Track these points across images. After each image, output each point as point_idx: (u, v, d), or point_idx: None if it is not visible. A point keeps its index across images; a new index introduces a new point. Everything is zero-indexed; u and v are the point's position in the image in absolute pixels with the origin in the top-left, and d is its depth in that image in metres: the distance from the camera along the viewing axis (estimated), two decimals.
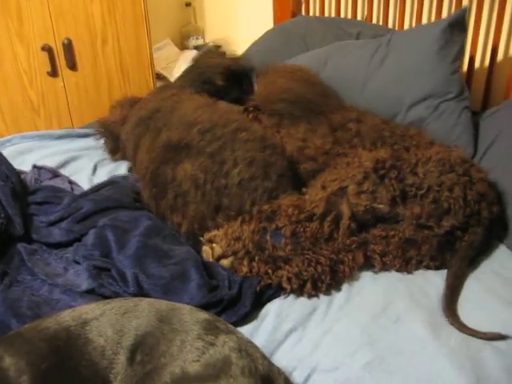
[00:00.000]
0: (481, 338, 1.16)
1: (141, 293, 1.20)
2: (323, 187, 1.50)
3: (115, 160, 1.95)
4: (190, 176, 1.47)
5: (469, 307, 1.25)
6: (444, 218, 1.39)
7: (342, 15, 2.50)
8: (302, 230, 1.41)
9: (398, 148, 1.60)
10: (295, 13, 2.66)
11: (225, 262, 1.33)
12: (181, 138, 1.53)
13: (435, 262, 1.39)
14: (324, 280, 1.29)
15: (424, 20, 2.21)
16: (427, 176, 1.43)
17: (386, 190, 1.42)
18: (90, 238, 1.35)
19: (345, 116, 1.80)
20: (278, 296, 1.29)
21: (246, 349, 0.98)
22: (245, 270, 1.30)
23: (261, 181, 1.49)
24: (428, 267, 1.39)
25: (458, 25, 1.81)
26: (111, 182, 1.64)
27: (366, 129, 1.71)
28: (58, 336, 0.95)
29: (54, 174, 1.73)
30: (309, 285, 1.28)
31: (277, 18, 2.72)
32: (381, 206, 1.41)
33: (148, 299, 1.08)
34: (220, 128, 1.55)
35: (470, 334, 1.17)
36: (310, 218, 1.43)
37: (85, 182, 1.77)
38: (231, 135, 1.54)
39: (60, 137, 2.06)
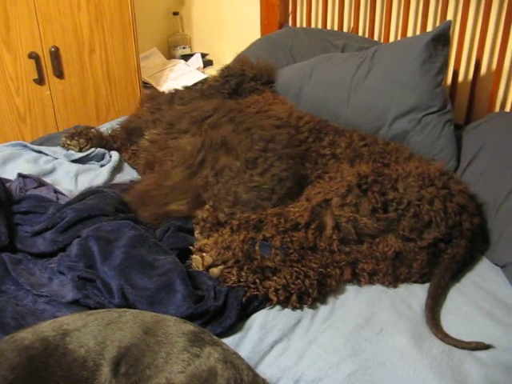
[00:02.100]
0: (463, 347, 1.18)
1: (126, 304, 1.20)
2: (307, 199, 1.53)
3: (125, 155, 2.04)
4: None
5: (451, 319, 1.27)
6: (426, 231, 1.41)
7: (329, 27, 2.53)
8: (289, 240, 1.42)
9: (377, 165, 1.62)
10: (282, 23, 2.69)
11: (214, 271, 1.34)
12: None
13: (423, 278, 1.41)
14: (311, 294, 1.31)
15: (409, 32, 2.24)
16: (407, 191, 1.46)
17: (368, 202, 1.44)
18: (73, 249, 1.35)
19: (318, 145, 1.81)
20: (263, 307, 1.29)
21: (232, 360, 0.98)
22: (233, 278, 1.30)
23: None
24: (416, 282, 1.41)
25: (441, 38, 1.83)
26: (95, 191, 1.63)
27: (341, 150, 1.73)
28: (33, 346, 0.95)
29: (40, 182, 1.73)
30: (294, 297, 1.29)
31: (264, 28, 2.74)
32: (364, 218, 1.43)
33: (132, 310, 1.08)
34: None
35: (453, 344, 1.19)
36: (295, 228, 1.45)
37: (68, 189, 1.77)
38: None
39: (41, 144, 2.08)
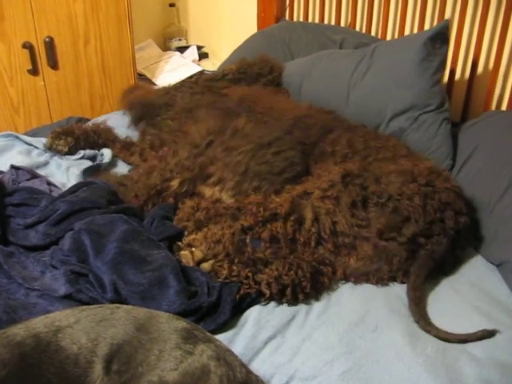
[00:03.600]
0: (456, 340, 1.19)
1: (119, 299, 1.19)
2: (288, 192, 1.53)
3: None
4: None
5: (445, 318, 1.26)
6: (405, 227, 1.40)
7: (326, 21, 2.52)
8: (275, 232, 1.41)
9: (371, 160, 1.62)
10: (279, 17, 2.67)
11: (205, 266, 1.33)
12: None
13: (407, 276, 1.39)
14: (305, 287, 1.30)
15: (407, 28, 2.23)
16: (389, 186, 1.45)
17: (348, 195, 1.43)
18: (66, 243, 1.34)
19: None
20: (258, 302, 1.28)
21: (225, 357, 0.97)
22: (225, 272, 1.29)
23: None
24: (402, 282, 1.39)
25: (439, 37, 1.83)
26: (88, 183, 1.62)
27: (340, 148, 1.72)
28: (25, 343, 0.94)
29: (33, 174, 1.71)
30: (289, 290, 1.28)
31: (260, 22, 2.73)
32: (343, 212, 1.42)
33: (125, 306, 1.07)
34: None
35: (444, 338, 1.19)
36: (274, 218, 1.43)
37: (61, 182, 1.75)
38: None
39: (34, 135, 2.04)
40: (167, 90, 2.14)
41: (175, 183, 1.58)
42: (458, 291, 1.36)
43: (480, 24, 1.95)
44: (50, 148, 1.92)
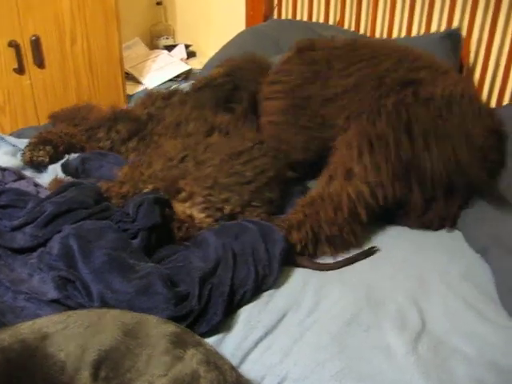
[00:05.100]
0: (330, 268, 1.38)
1: (106, 307, 1.16)
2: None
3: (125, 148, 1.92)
4: None
5: (436, 313, 1.26)
6: None
7: (315, 19, 2.51)
8: None
9: None
10: (267, 15, 2.66)
11: None
12: None
13: None
14: None
15: (395, 26, 2.24)
16: None
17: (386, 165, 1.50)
18: (54, 247, 1.32)
19: None
20: (250, 301, 1.27)
21: (215, 361, 0.96)
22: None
23: None
24: None
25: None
26: (75, 184, 1.60)
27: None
28: (12, 348, 0.92)
29: (19, 175, 1.69)
30: None
31: (249, 20, 2.72)
32: None
33: (113, 311, 1.05)
34: None
35: (317, 268, 1.38)
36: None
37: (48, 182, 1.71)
38: None
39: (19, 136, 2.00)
40: (152, 101, 2.03)
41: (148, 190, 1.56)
42: (450, 286, 1.35)
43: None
44: (30, 161, 1.81)
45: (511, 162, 1.57)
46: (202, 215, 1.51)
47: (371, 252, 1.47)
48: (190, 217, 1.50)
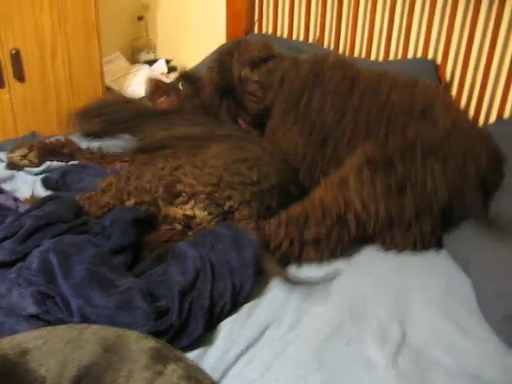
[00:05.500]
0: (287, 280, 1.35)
1: (86, 323, 1.15)
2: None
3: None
4: None
5: (416, 327, 1.27)
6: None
7: (295, 36, 2.54)
8: None
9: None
10: (248, 31, 2.69)
11: None
12: None
13: None
14: None
15: (374, 44, 2.28)
16: None
17: (381, 180, 1.51)
18: (34, 262, 1.30)
19: None
20: (230, 315, 1.27)
21: (196, 375, 0.96)
22: None
23: None
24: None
25: None
26: (53, 197, 1.59)
27: None
28: None
29: None
30: None
31: (229, 36, 2.74)
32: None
33: (93, 326, 1.04)
34: None
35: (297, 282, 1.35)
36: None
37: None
38: None
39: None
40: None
41: (130, 204, 1.55)
42: (432, 300, 1.36)
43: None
44: (18, 162, 1.86)
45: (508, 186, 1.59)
46: (205, 213, 1.51)
47: (331, 278, 1.42)
48: (190, 218, 1.51)
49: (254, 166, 1.61)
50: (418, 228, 1.53)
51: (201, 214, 1.51)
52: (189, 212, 1.50)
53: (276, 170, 1.66)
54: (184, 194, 1.52)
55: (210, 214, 1.51)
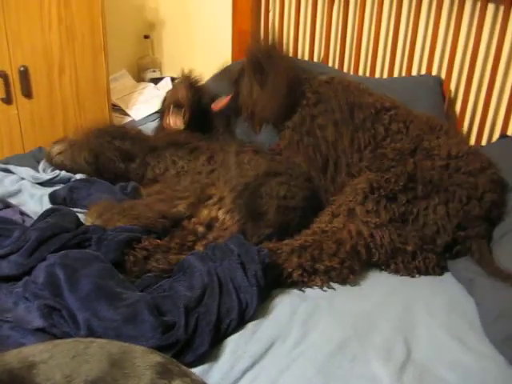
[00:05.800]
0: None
1: (92, 336, 1.16)
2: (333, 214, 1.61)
3: None
4: None
5: (419, 343, 1.27)
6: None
7: (300, 55, 2.57)
8: None
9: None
10: None
11: None
12: None
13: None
14: None
15: (378, 63, 2.30)
16: None
17: (385, 210, 1.54)
18: (40, 276, 1.31)
19: None
20: (236, 331, 1.27)
21: None
22: None
23: None
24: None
25: None
26: (55, 210, 1.62)
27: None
28: (0, 378, 0.91)
29: (5, 204, 1.69)
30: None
31: (235, 55, 2.76)
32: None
33: (99, 340, 1.04)
34: None
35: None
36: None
37: (34, 211, 1.73)
38: None
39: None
40: None
41: (181, 208, 1.61)
42: (434, 316, 1.37)
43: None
44: (53, 156, 2.01)
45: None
46: (228, 216, 1.56)
47: None
48: (214, 219, 1.56)
49: (283, 182, 1.66)
50: (421, 259, 1.55)
51: (224, 216, 1.56)
52: (213, 213, 1.56)
53: (303, 195, 1.70)
54: (214, 197, 1.60)
55: (231, 218, 1.55)
